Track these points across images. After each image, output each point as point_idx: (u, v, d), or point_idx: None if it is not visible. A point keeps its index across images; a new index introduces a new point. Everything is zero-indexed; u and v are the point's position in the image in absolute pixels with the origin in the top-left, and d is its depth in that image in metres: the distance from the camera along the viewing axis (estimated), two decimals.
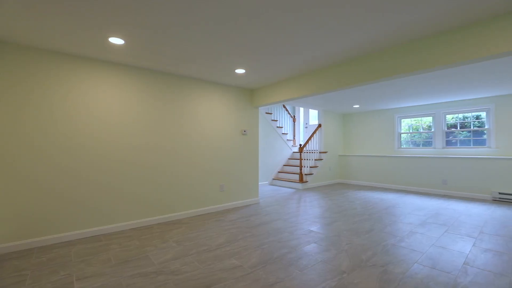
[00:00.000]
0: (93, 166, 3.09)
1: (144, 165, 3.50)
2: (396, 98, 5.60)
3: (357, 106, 6.62)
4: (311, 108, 7.04)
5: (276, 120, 7.64)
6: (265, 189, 6.56)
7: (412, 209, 4.40)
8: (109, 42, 2.60)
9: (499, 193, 5.06)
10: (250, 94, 4.81)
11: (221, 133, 4.37)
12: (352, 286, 1.93)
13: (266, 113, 7.40)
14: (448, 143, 6.07)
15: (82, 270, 2.20)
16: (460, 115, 5.92)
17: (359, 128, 7.74)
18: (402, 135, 6.89)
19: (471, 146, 5.71)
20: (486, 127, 5.52)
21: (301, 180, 6.63)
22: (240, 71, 3.62)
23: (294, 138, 8.73)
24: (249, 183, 4.80)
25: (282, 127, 7.84)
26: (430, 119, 6.38)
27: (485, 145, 5.52)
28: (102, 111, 3.16)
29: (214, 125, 4.28)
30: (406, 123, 6.85)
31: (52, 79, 2.85)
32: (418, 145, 6.59)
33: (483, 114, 5.58)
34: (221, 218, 3.82)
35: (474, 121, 5.72)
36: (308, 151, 7.37)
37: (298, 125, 9.34)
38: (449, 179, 5.74)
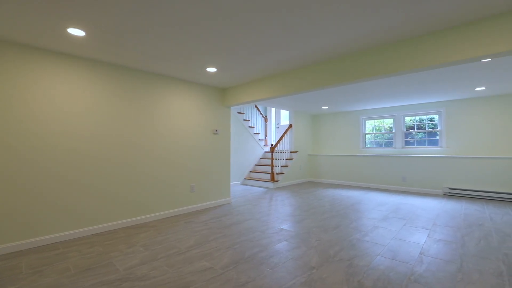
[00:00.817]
0: (44, 155, 2.83)
1: (108, 163, 3.29)
2: (361, 100, 5.92)
3: (326, 107, 6.88)
4: (283, 109, 7.18)
5: (248, 120, 7.66)
6: (237, 189, 6.55)
7: (375, 205, 4.68)
8: (68, 33, 2.40)
9: (449, 188, 5.60)
10: (221, 93, 4.76)
11: (191, 133, 4.27)
12: (320, 281, 2.00)
13: (238, 112, 7.38)
14: (407, 143, 6.57)
15: (35, 282, 2.00)
16: (417, 118, 6.44)
17: (327, 128, 8.06)
18: (366, 135, 7.31)
19: (426, 146, 6.24)
20: (438, 128, 6.07)
21: (272, 179, 6.72)
22: (211, 69, 3.56)
23: (266, 138, 8.82)
24: (221, 183, 4.75)
25: (254, 127, 7.88)
26: (391, 120, 6.85)
27: (437, 145, 6.07)
28: (66, 105, 2.91)
29: (185, 124, 4.17)
30: (370, 124, 7.28)
31: (12, 72, 2.56)
32: (380, 145, 7.04)
33: (436, 117, 6.13)
34: (191, 220, 3.73)
35: (429, 123, 6.26)
36: (280, 151, 7.50)
37: (270, 125, 9.46)
38: (408, 176, 6.21)
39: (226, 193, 4.83)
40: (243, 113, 7.50)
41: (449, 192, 5.60)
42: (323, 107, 6.90)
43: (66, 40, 2.56)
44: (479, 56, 2.18)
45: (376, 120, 7.14)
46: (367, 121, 7.32)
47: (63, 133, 2.93)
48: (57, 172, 2.88)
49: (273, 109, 9.52)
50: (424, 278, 2.04)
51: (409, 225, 3.46)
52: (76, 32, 2.38)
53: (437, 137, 6.09)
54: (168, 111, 3.94)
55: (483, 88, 4.69)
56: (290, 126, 7.67)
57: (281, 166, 7.27)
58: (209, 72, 3.71)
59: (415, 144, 6.44)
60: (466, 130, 5.67)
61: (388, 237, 3.01)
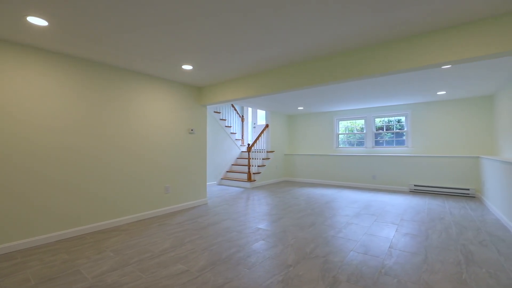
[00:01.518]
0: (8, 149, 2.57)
1: (77, 155, 3.07)
2: (335, 101, 6.13)
3: (301, 108, 7.02)
4: (259, 109, 7.20)
5: (225, 120, 7.59)
6: (214, 189, 6.46)
7: (348, 203, 4.87)
8: (28, 22, 2.20)
9: (415, 185, 5.99)
10: (198, 92, 4.66)
11: (167, 131, 4.13)
12: (297, 278, 2.03)
13: (215, 112, 7.28)
14: (377, 143, 6.92)
15: None
16: (386, 119, 6.80)
17: (303, 128, 8.23)
18: (339, 135, 7.58)
19: (394, 146, 6.62)
20: (405, 129, 6.47)
21: (249, 179, 6.72)
22: (187, 67, 3.47)
23: (242, 138, 8.80)
24: (197, 183, 4.65)
25: (230, 127, 7.82)
26: (362, 121, 7.17)
27: (404, 145, 6.47)
28: (32, 103, 2.66)
29: (160, 122, 4.02)
30: (343, 125, 7.56)
31: None
32: (352, 145, 7.33)
33: (403, 119, 6.52)
34: (166, 222, 3.61)
35: (396, 124, 6.64)
36: (256, 151, 7.52)
37: (247, 125, 9.45)
38: (378, 174, 6.54)
39: (202, 194, 4.74)
40: (219, 113, 7.42)
41: (415, 189, 5.99)
42: (299, 108, 7.03)
43: (27, 30, 2.34)
44: (439, 62, 2.35)
45: (348, 121, 7.43)
46: (340, 122, 7.59)
47: (28, 124, 2.68)
48: (14, 163, 2.63)
49: (249, 109, 9.53)
50: (393, 270, 2.15)
51: (379, 221, 3.65)
52: (37, 21, 2.18)
53: (404, 138, 6.49)
54: (143, 108, 3.78)
55: (444, 92, 5.07)
56: (267, 126, 7.72)
57: (258, 166, 7.29)
58: (185, 70, 3.62)
59: (384, 144, 6.80)
60: (429, 131, 6.10)
61: (360, 233, 3.14)
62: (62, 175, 2.96)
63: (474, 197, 5.32)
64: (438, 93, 5.14)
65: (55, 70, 2.92)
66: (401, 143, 6.53)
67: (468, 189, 5.39)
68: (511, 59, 3.18)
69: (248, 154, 6.84)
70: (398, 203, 4.79)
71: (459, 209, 4.29)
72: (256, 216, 3.91)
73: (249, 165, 6.77)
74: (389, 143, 6.73)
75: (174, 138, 4.25)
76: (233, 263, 2.31)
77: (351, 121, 7.37)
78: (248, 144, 7.07)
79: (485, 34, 2.17)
